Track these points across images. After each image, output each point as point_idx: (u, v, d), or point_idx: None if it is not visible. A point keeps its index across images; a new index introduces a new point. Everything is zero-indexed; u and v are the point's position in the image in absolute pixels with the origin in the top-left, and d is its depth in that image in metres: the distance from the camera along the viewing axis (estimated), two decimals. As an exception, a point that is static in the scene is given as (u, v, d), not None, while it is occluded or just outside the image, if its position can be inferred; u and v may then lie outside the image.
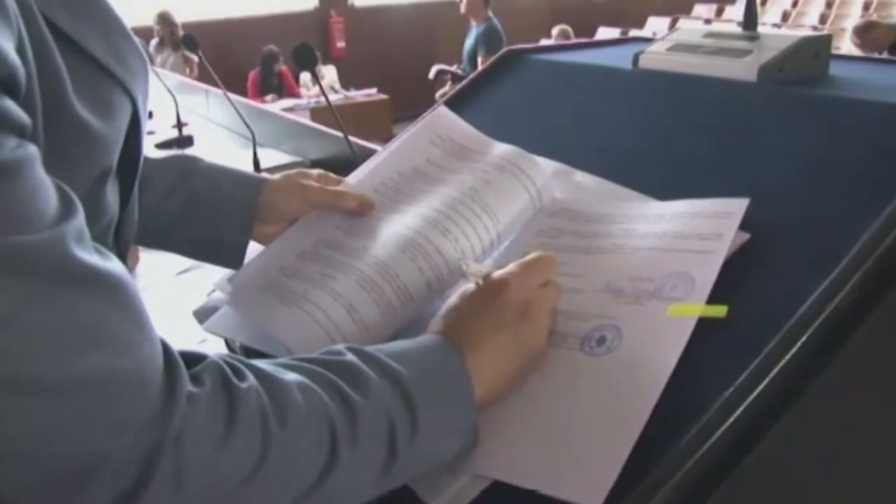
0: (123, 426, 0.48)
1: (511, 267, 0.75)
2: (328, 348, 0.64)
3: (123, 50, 0.65)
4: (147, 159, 0.96)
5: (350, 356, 0.63)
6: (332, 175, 1.00)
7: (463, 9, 5.73)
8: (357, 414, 0.58)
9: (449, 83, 5.75)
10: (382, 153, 1.00)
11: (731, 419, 0.61)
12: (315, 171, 1.00)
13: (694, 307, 0.72)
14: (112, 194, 0.68)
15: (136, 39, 0.69)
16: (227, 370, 0.54)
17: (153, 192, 0.93)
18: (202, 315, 0.94)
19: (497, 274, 0.74)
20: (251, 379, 0.55)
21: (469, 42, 5.71)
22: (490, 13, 5.71)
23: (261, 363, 0.58)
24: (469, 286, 0.74)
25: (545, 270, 0.76)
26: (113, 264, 0.52)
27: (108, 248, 0.71)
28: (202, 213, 0.95)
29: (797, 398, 0.63)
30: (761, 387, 0.63)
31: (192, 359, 0.54)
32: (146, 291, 0.84)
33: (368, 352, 0.64)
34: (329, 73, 8.56)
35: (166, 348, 0.52)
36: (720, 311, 0.69)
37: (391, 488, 0.62)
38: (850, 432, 0.71)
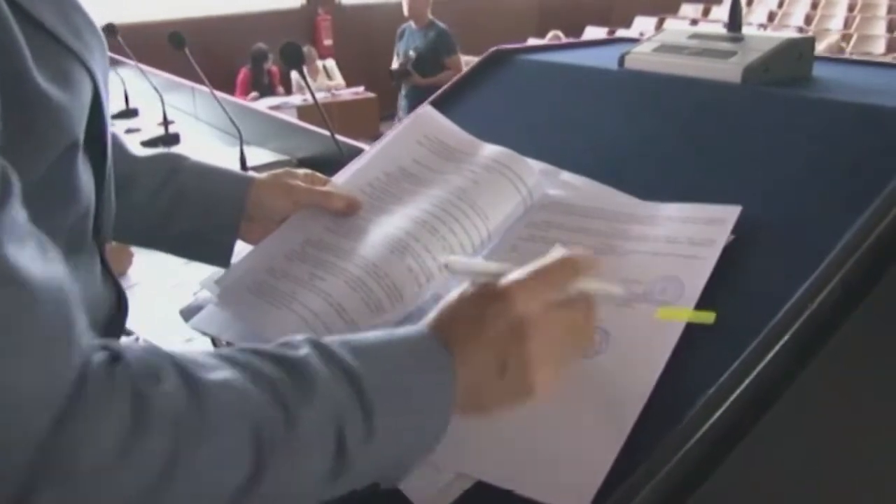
0: (12, 441, 0.45)
1: (522, 271, 0.64)
2: (288, 339, 0.59)
3: (79, 26, 0.66)
4: (134, 157, 0.96)
5: (306, 350, 0.57)
6: (318, 175, 1.00)
7: (406, 11, 5.74)
8: (295, 418, 0.54)
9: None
10: (369, 153, 1.00)
11: (713, 419, 0.62)
12: (302, 171, 1.00)
13: (682, 312, 0.72)
14: (85, 175, 0.68)
15: (92, 17, 0.70)
16: (144, 374, 0.50)
17: (141, 190, 0.93)
18: (188, 314, 0.94)
19: (503, 280, 0.64)
20: (170, 381, 0.51)
21: (415, 44, 5.71)
22: (431, 15, 5.74)
23: (200, 355, 0.55)
24: (466, 287, 0.66)
25: (564, 277, 0.65)
26: (45, 266, 0.49)
27: (87, 240, 0.73)
28: (189, 211, 0.94)
29: (778, 398, 0.63)
30: (743, 386, 0.63)
31: (116, 354, 0.51)
32: (138, 288, 0.85)
33: (330, 348, 0.58)
34: (331, 67, 8.53)
35: (85, 353, 0.49)
36: (708, 317, 0.67)
37: (347, 490, 0.58)
38: (832, 430, 0.72)
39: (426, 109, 1.02)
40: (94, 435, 0.46)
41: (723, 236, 0.77)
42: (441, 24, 5.73)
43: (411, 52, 5.72)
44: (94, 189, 0.72)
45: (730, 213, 0.78)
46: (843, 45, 7.95)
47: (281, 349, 0.58)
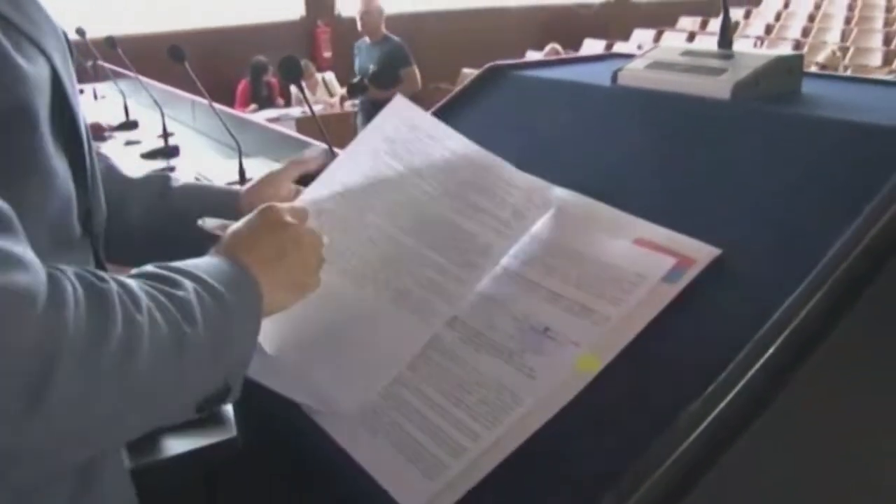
0: (20, 334, 0.55)
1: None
2: (140, 269, 0.72)
3: (32, 14, 0.70)
4: (124, 179, 1.01)
5: (158, 269, 0.71)
6: (287, 185, 1.07)
7: (360, 27, 5.83)
8: (183, 304, 0.67)
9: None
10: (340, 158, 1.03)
11: (699, 430, 0.63)
12: (272, 179, 1.06)
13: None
14: (59, 162, 0.71)
15: (52, 16, 0.75)
16: (90, 275, 0.62)
17: (132, 214, 0.99)
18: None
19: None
20: (109, 279, 0.63)
21: (371, 59, 5.80)
22: (385, 30, 5.83)
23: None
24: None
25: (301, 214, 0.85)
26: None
27: (75, 236, 0.76)
28: (182, 235, 0.97)
29: (763, 409, 0.65)
30: (731, 396, 0.65)
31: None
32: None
33: (174, 265, 0.72)
34: (330, 80, 8.56)
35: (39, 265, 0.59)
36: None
37: (222, 372, 0.71)
38: (818, 441, 0.73)
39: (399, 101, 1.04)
40: (78, 317, 0.58)
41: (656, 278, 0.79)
42: (395, 38, 5.81)
43: (371, 67, 5.80)
44: (74, 181, 0.74)
45: (704, 255, 0.80)
46: (839, 55, 7.96)
47: (144, 271, 0.71)
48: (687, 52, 1.10)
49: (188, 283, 0.69)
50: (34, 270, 0.57)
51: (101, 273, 0.64)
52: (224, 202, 1.02)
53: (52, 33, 0.73)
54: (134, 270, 0.72)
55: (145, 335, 0.62)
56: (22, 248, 0.58)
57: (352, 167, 0.98)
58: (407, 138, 0.98)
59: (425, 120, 1.00)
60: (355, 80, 5.90)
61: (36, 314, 0.55)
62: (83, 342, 0.58)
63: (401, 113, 1.00)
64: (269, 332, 0.87)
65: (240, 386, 0.75)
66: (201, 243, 0.96)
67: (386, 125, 1.00)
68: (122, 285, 0.64)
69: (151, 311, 0.64)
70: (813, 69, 6.87)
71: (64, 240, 0.74)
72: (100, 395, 0.59)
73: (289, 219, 0.84)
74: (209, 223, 0.87)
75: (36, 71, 0.67)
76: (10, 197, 0.61)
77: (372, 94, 5.73)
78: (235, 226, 0.83)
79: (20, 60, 0.65)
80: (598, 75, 1.17)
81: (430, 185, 0.95)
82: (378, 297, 0.90)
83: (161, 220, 1.00)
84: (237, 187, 1.04)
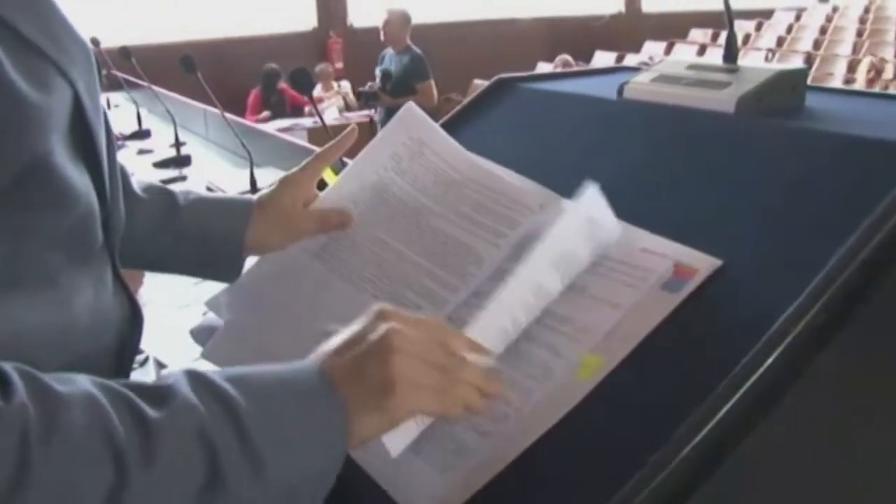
0: None
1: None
2: (167, 373, 0.60)
3: (59, 34, 0.67)
4: (133, 194, 0.97)
5: (175, 377, 0.58)
6: (305, 187, 1.02)
7: (383, 37, 5.81)
8: (152, 432, 0.53)
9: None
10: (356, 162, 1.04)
11: (697, 439, 0.64)
12: (284, 188, 1.01)
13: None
14: (79, 179, 0.69)
15: (77, 30, 0.72)
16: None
17: (140, 227, 0.95)
18: (199, 335, 0.97)
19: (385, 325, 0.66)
20: (19, 395, 0.50)
21: (390, 68, 5.78)
22: (409, 41, 5.80)
23: (57, 377, 0.54)
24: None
25: (444, 338, 0.68)
26: None
27: (94, 248, 0.74)
28: (191, 250, 0.98)
29: (763, 419, 0.66)
30: (729, 405, 0.66)
31: None
32: (148, 306, 0.88)
33: (202, 374, 0.59)
34: (345, 88, 8.60)
35: None
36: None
37: None
38: (815, 451, 0.74)
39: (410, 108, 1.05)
40: None
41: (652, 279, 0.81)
42: (417, 50, 5.78)
43: (377, 71, 5.79)
44: (97, 196, 0.73)
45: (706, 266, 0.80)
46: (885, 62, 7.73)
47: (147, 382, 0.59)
48: (692, 66, 1.12)
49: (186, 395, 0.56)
50: None
51: (15, 382, 0.51)
52: (236, 221, 0.98)
53: (78, 51, 0.70)
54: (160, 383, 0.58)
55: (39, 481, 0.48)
56: None
57: (359, 181, 1.00)
58: (413, 154, 1.00)
59: (433, 136, 1.01)
60: (366, 87, 5.89)
61: None
62: None
63: (410, 127, 1.02)
64: (259, 330, 0.89)
65: None
66: (206, 260, 0.98)
67: (394, 139, 1.01)
68: (40, 402, 0.51)
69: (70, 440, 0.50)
70: (860, 82, 6.84)
71: (85, 252, 0.73)
72: None
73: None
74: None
75: (53, 102, 0.64)
76: (29, 222, 0.61)
77: (383, 102, 5.74)
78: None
79: (35, 97, 0.61)
80: (604, 88, 1.18)
81: (432, 201, 0.97)
82: (376, 300, 0.91)
83: (166, 241, 0.97)
84: (249, 196, 1.02)
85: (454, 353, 0.67)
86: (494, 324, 0.77)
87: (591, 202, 0.82)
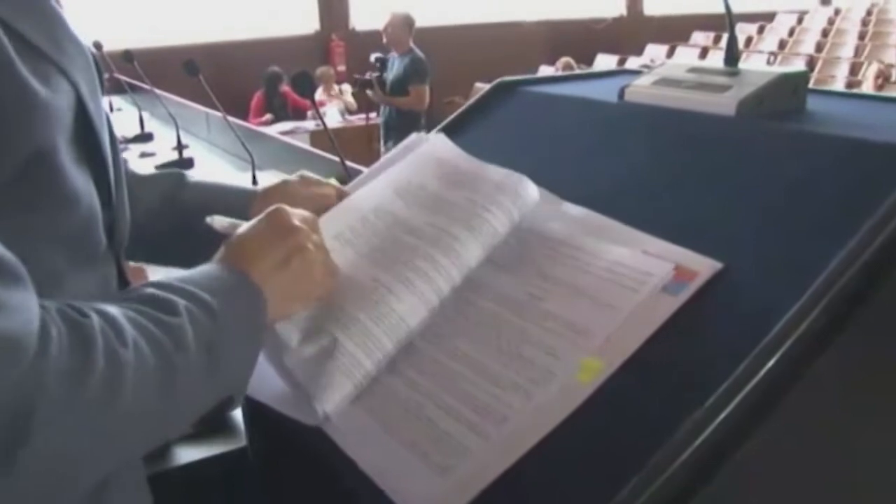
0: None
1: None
2: (132, 289, 0.71)
3: (60, 39, 0.68)
4: (135, 176, 0.98)
5: (151, 289, 0.69)
6: (312, 176, 1.05)
7: (385, 39, 5.82)
8: (174, 329, 0.66)
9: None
10: (381, 176, 1.04)
11: (698, 441, 0.64)
12: (295, 177, 1.04)
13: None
14: (81, 180, 0.70)
15: (78, 34, 0.73)
16: (71, 311, 0.60)
17: (142, 209, 0.95)
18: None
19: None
20: (92, 313, 0.61)
21: (394, 71, 5.80)
22: (412, 44, 5.81)
23: (92, 305, 0.64)
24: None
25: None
26: None
27: (99, 249, 0.75)
28: (192, 231, 0.96)
29: (763, 422, 0.66)
30: (730, 408, 0.66)
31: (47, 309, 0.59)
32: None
33: (168, 283, 0.71)
34: (346, 93, 8.60)
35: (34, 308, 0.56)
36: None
37: (220, 391, 0.72)
38: (815, 454, 0.74)
39: (440, 137, 1.06)
40: (59, 361, 0.56)
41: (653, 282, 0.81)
42: (417, 53, 5.78)
43: (372, 57, 5.80)
44: (100, 198, 0.73)
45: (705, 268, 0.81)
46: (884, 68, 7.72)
47: (134, 293, 0.70)
48: (694, 69, 1.12)
49: (181, 304, 0.68)
50: (18, 315, 0.54)
51: (85, 307, 0.61)
52: (238, 202, 0.99)
53: (80, 56, 0.71)
54: (130, 290, 0.71)
55: (130, 370, 0.60)
56: (8, 293, 0.54)
57: (362, 205, 1.00)
58: (417, 191, 1.01)
59: (437, 180, 1.02)
60: (365, 75, 5.88)
61: (12, 364, 0.53)
62: (62, 389, 0.55)
63: (418, 170, 1.03)
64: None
65: (241, 396, 0.75)
66: (211, 242, 0.97)
67: (400, 177, 1.02)
68: (106, 318, 0.61)
69: (138, 344, 0.62)
70: (866, 88, 6.84)
71: (89, 254, 0.73)
72: (82, 441, 0.58)
73: (297, 223, 0.83)
74: (218, 222, 0.86)
75: (59, 101, 0.65)
76: (30, 221, 0.61)
77: (377, 97, 5.75)
78: (242, 228, 0.82)
79: (43, 93, 0.63)
80: (606, 91, 1.18)
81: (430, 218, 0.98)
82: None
83: (170, 219, 0.98)
84: (254, 187, 1.02)
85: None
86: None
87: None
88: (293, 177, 1.04)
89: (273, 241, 0.80)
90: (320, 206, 0.98)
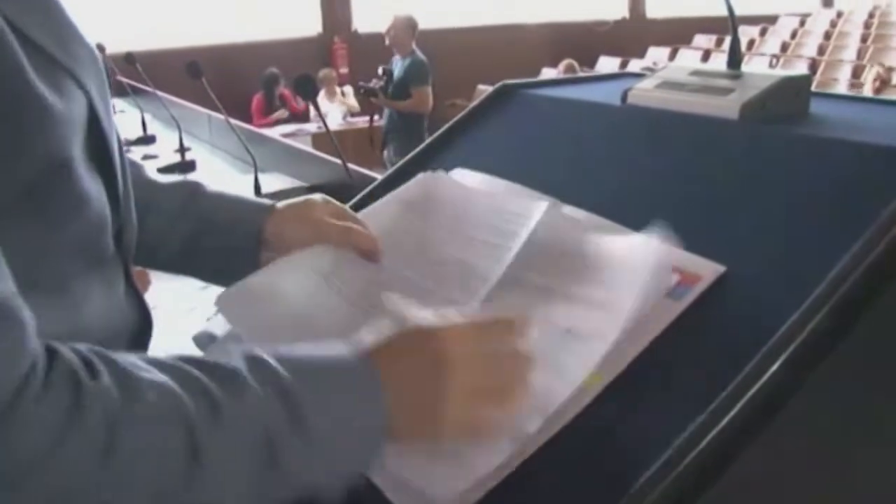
0: None
1: (460, 318, 0.69)
2: (224, 349, 0.65)
3: (68, 42, 0.67)
4: (152, 183, 0.96)
5: (238, 360, 0.61)
6: (336, 203, 0.98)
7: (388, 41, 5.81)
8: (224, 418, 0.57)
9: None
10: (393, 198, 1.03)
11: (700, 447, 0.64)
12: (319, 197, 0.98)
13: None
14: (93, 189, 0.69)
15: (85, 36, 0.71)
16: (79, 367, 0.54)
17: (159, 216, 0.93)
18: (200, 341, 0.96)
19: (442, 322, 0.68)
20: (104, 377, 0.54)
21: (395, 73, 5.79)
22: (415, 46, 5.80)
23: (131, 359, 0.57)
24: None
25: (499, 334, 0.70)
26: None
27: (107, 255, 0.74)
28: (209, 238, 0.95)
29: (766, 427, 0.66)
30: (734, 411, 0.65)
31: (53, 352, 0.54)
32: (154, 311, 0.88)
33: (262, 358, 0.62)
34: (348, 95, 8.61)
35: (32, 354, 0.52)
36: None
37: (285, 494, 0.62)
38: (818, 458, 0.74)
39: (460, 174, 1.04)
40: (32, 424, 0.50)
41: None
42: (419, 56, 5.77)
43: (380, 70, 5.80)
44: (110, 204, 0.73)
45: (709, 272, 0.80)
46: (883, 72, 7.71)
47: (213, 358, 0.62)
48: (696, 72, 1.12)
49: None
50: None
51: (99, 366, 0.55)
52: (256, 205, 0.96)
53: (89, 60, 0.70)
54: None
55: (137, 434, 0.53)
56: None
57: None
58: (425, 208, 1.00)
59: (442, 211, 1.01)
60: (370, 83, 5.87)
61: None
62: (40, 441, 0.50)
63: (423, 197, 1.02)
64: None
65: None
66: (223, 254, 0.96)
67: (404, 196, 1.02)
68: (127, 381, 0.55)
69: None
70: (867, 91, 6.84)
71: (97, 258, 0.73)
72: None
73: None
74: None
75: (72, 109, 0.64)
76: (40, 227, 0.61)
77: (381, 102, 5.75)
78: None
79: (57, 104, 0.62)
80: (608, 94, 1.18)
81: (440, 234, 0.96)
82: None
83: (185, 226, 0.95)
84: (272, 203, 0.98)
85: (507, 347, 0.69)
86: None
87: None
88: (317, 197, 0.97)
89: None
90: (345, 242, 0.93)
